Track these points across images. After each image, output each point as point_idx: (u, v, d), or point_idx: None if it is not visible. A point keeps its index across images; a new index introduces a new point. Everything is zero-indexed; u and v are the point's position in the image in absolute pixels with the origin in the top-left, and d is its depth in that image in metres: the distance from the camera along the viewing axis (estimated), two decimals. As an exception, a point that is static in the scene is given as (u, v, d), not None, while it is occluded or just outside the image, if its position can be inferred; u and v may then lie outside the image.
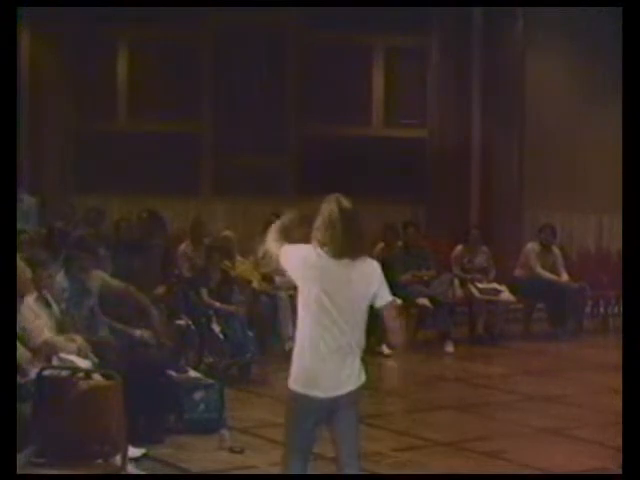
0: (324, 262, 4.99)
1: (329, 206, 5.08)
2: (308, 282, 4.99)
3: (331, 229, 5.01)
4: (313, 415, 5.04)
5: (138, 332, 8.13)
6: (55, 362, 6.95)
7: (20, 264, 7.01)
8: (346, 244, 5.00)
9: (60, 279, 7.84)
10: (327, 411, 5.01)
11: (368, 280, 5.06)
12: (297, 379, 5.03)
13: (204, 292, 10.10)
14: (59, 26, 15.01)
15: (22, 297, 6.94)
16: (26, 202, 10.54)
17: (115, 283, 8.25)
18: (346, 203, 5.14)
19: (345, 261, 5.00)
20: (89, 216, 12.44)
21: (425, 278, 12.38)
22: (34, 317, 7.00)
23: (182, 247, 11.63)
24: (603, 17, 14.35)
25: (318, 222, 5.06)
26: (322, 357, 4.95)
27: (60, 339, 7.07)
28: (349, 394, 5.00)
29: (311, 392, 4.98)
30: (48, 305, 7.30)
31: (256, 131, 15.38)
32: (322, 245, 5.00)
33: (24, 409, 6.41)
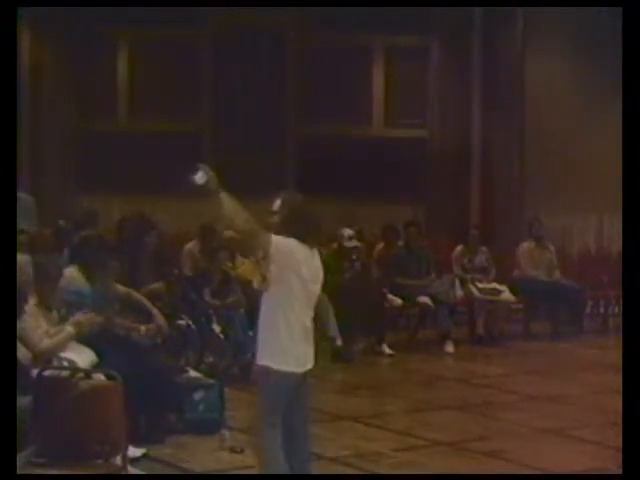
0: (305, 253, 5.45)
1: (292, 203, 5.56)
2: (294, 272, 5.39)
3: (301, 223, 5.47)
4: (292, 390, 5.47)
5: (143, 328, 8.12)
6: (55, 362, 6.94)
7: (27, 268, 6.98)
8: (315, 235, 5.54)
9: (77, 283, 7.78)
10: (295, 385, 5.47)
11: (320, 264, 5.58)
12: (286, 360, 5.40)
13: (206, 292, 10.09)
14: (59, 26, 15.02)
15: (25, 301, 6.91)
16: (24, 201, 10.51)
17: (118, 287, 8.23)
18: (301, 198, 5.63)
19: (314, 250, 5.53)
20: (82, 218, 12.40)
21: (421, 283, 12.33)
22: (35, 325, 6.96)
23: (189, 246, 11.60)
24: (603, 17, 14.35)
25: (284, 219, 5.49)
26: (305, 338, 5.48)
27: (56, 342, 7.02)
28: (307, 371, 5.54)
29: (296, 369, 5.44)
30: (49, 310, 7.27)
31: (256, 131, 15.39)
32: (297, 238, 5.43)
33: (24, 409, 6.40)
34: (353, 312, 11.23)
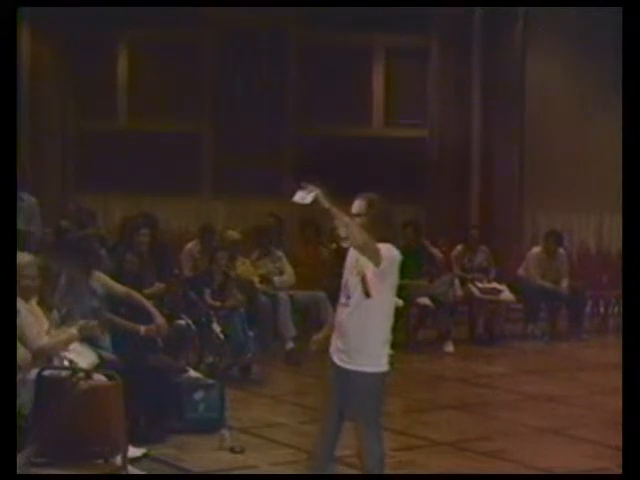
0: (399, 257, 5.55)
1: (378, 205, 5.62)
2: (395, 278, 5.56)
3: (388, 226, 5.63)
4: None
5: (143, 328, 8.12)
6: (56, 362, 6.93)
7: (33, 269, 6.96)
8: (393, 237, 5.65)
9: (62, 279, 7.79)
10: None
11: None
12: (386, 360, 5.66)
13: (207, 293, 10.09)
14: (59, 26, 15.02)
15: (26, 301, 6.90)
16: (27, 202, 10.51)
17: (117, 287, 8.22)
18: (382, 200, 5.78)
19: None
20: (82, 218, 12.39)
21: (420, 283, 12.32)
22: (33, 322, 6.95)
23: (189, 246, 11.62)
24: (603, 17, 14.34)
25: (372, 221, 5.50)
26: None
27: (56, 341, 7.00)
28: None
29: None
30: (49, 309, 7.26)
31: (256, 131, 15.38)
32: (381, 240, 5.49)
33: (24, 409, 6.40)
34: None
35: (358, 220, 5.45)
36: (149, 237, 10.06)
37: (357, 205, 5.55)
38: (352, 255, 5.56)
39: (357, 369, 5.51)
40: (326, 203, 5.22)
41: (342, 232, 5.41)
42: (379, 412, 5.63)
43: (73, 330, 7.05)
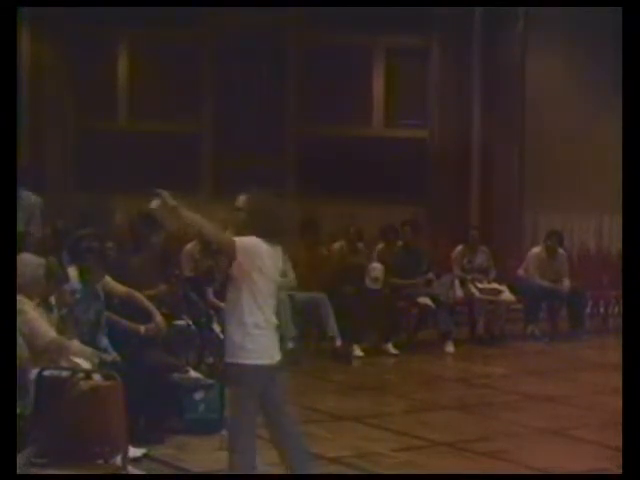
0: (268, 250, 5.51)
1: (256, 200, 5.65)
2: (256, 270, 5.48)
3: (265, 221, 5.54)
4: (265, 384, 5.56)
5: (143, 328, 8.11)
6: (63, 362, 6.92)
7: (39, 271, 6.95)
8: (279, 233, 5.59)
9: (72, 282, 7.77)
10: (267, 378, 5.57)
11: (279, 263, 5.63)
12: (259, 354, 5.53)
13: (209, 292, 10.10)
14: (59, 26, 15.02)
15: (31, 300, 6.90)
16: (27, 201, 10.50)
17: (118, 287, 8.22)
18: (266, 195, 5.74)
19: (275, 247, 5.56)
20: (81, 218, 12.37)
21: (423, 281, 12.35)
22: (40, 318, 6.95)
23: (188, 247, 11.59)
24: (603, 17, 14.34)
25: (248, 216, 5.57)
26: (272, 331, 5.63)
27: (66, 340, 7.01)
28: (277, 363, 5.65)
29: (267, 361, 5.57)
30: (50, 309, 7.26)
31: (256, 131, 15.39)
32: (260, 235, 5.49)
33: (24, 409, 6.40)
34: (362, 312, 11.32)
35: (239, 214, 5.64)
36: (149, 237, 10.04)
37: (239, 200, 5.71)
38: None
39: (228, 360, 5.58)
40: (172, 203, 5.41)
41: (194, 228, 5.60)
42: (246, 409, 5.55)
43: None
